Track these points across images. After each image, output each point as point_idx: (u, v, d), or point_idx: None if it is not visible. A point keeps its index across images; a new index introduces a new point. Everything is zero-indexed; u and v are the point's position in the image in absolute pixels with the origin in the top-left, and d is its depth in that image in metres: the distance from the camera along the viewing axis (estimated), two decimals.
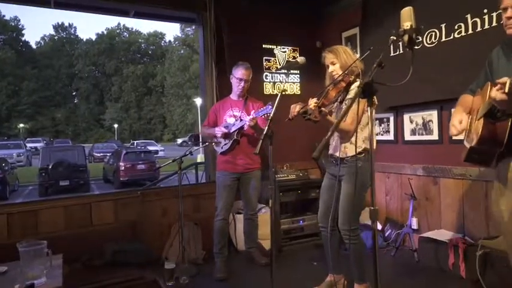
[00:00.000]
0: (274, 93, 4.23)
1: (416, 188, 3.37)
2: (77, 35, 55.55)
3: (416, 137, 3.46)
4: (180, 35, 51.41)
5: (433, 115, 3.31)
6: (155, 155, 18.27)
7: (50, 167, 11.93)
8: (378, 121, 3.80)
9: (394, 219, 3.62)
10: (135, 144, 31.08)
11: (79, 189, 12.20)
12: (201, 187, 4.02)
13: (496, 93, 1.47)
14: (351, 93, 2.24)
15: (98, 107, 51.90)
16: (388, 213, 3.71)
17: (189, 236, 3.35)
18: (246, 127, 2.97)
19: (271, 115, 2.08)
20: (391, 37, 1.42)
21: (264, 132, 1.97)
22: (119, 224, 3.43)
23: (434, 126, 3.29)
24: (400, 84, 1.41)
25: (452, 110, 3.07)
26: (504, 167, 1.70)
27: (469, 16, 2.86)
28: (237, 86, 3.13)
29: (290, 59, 4.34)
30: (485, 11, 2.73)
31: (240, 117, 3.06)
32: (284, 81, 4.28)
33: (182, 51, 48.75)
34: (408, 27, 1.39)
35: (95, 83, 51.96)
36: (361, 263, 2.35)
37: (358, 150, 2.26)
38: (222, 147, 3.11)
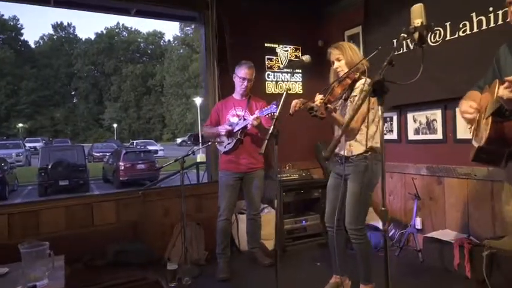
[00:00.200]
0: (276, 92, 4.21)
1: (420, 187, 3.35)
2: (76, 35, 55.48)
3: (420, 136, 3.44)
4: (179, 34, 51.45)
5: (437, 114, 3.29)
6: (155, 155, 18.22)
7: (50, 166, 11.88)
8: (379, 119, 3.78)
9: (397, 219, 3.60)
10: (134, 143, 31.02)
11: (79, 189, 12.16)
12: (203, 187, 3.99)
13: (503, 92, 1.44)
14: (356, 91, 2.22)
15: (97, 106, 51.81)
16: (391, 213, 3.68)
17: (192, 236, 3.33)
18: (249, 126, 2.94)
19: (277, 114, 2.05)
20: (402, 34, 1.39)
21: (270, 132, 1.95)
22: (121, 224, 3.41)
23: (439, 125, 3.27)
24: (410, 82, 1.38)
25: (457, 108, 3.09)
26: None
27: (474, 14, 2.83)
28: (240, 86, 3.11)
29: (292, 58, 4.31)
30: (491, 9, 2.71)
31: (243, 117, 3.03)
32: (289, 80, 4.27)
33: (181, 51, 48.69)
34: (419, 25, 1.36)
35: (94, 83, 51.85)
36: (367, 263, 2.33)
37: (364, 148, 2.23)
38: (225, 147, 3.08)
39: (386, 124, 3.75)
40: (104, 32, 53.71)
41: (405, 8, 3.32)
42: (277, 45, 4.25)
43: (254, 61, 3.20)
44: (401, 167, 3.57)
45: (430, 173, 3.32)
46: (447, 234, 3.04)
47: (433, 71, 3.09)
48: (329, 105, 2.03)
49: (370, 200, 2.37)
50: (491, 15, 2.70)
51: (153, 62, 53.01)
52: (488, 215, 2.87)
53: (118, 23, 55.26)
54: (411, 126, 3.53)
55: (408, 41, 3.33)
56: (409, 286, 2.72)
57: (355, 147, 2.27)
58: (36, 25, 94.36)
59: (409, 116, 3.54)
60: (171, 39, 54.72)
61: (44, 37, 54.60)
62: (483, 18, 2.77)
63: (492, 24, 2.71)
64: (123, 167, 13.45)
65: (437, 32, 3.11)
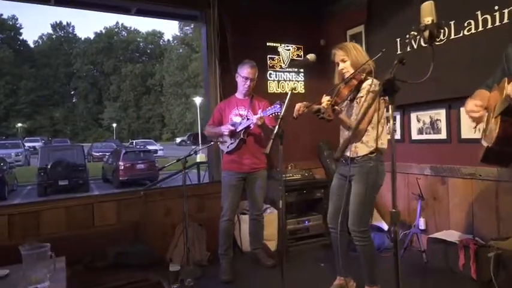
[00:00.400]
0: (279, 91, 4.18)
1: (424, 187, 3.32)
2: (75, 34, 55.41)
3: (424, 136, 3.42)
4: (178, 34, 51.40)
5: (441, 114, 3.26)
6: (154, 155, 18.18)
7: (49, 166, 11.83)
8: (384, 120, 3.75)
9: (400, 220, 3.57)
10: (134, 143, 30.95)
11: (78, 189, 12.12)
12: (204, 187, 3.96)
13: (511, 90, 1.42)
14: (363, 92, 2.19)
15: (97, 106, 51.75)
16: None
17: (194, 237, 3.29)
18: (252, 126, 2.91)
19: (282, 114, 2.02)
20: (412, 32, 1.36)
21: (275, 132, 1.92)
22: (122, 224, 3.38)
23: (443, 125, 3.24)
24: (421, 81, 1.36)
25: (462, 108, 3.06)
26: None
27: (479, 13, 2.80)
28: (242, 85, 3.08)
29: (294, 57, 4.29)
30: (496, 7, 2.68)
31: (246, 116, 3.00)
32: (291, 79, 4.25)
33: (181, 50, 48.64)
34: (430, 23, 1.33)
35: (93, 82, 51.79)
36: (372, 265, 2.30)
37: (370, 149, 2.21)
38: (228, 147, 3.05)
39: (389, 124, 3.72)
40: (103, 31, 53.67)
41: (409, 7, 3.33)
42: (279, 45, 4.22)
43: (256, 60, 3.17)
44: (405, 167, 3.54)
45: (434, 173, 3.29)
46: (451, 235, 3.01)
47: (437, 71, 3.06)
48: (336, 107, 2.01)
49: (375, 202, 2.34)
50: (497, 13, 2.68)
51: (152, 62, 52.96)
52: (493, 215, 2.84)
53: (117, 23, 55.25)
54: (415, 125, 3.50)
55: (413, 40, 3.33)
56: (414, 287, 2.70)
57: (361, 148, 2.24)
58: (35, 25, 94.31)
59: (413, 115, 3.52)
60: (171, 39, 54.76)
61: (43, 36, 54.61)
62: (488, 16, 2.74)
63: (498, 23, 2.68)
64: (122, 167, 13.41)
65: (442, 31, 3.07)
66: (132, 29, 56.22)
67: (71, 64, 51.14)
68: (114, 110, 49.88)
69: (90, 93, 51.53)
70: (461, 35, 2.95)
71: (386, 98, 1.30)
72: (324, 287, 2.55)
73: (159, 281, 2.78)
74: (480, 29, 2.81)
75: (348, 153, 2.27)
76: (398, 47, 3.46)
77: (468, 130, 3.01)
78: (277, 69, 4.20)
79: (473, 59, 2.83)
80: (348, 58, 2.27)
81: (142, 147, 23.48)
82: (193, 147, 3.48)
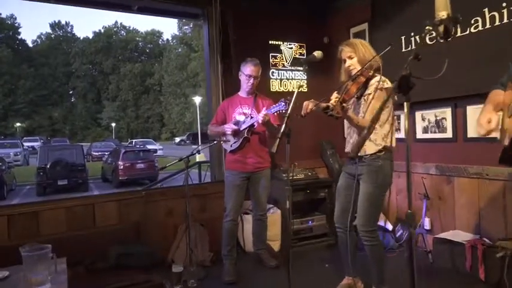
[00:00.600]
0: (281, 90, 4.14)
1: (429, 187, 3.28)
2: (74, 33, 55.26)
3: (429, 135, 3.37)
4: (177, 33, 51.29)
5: (446, 112, 3.22)
6: (154, 154, 18.13)
7: (48, 166, 11.77)
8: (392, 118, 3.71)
9: (405, 219, 3.53)
10: (133, 143, 30.86)
11: (77, 189, 12.07)
12: (206, 187, 3.91)
13: None
14: (371, 89, 2.14)
15: (95, 105, 51.64)
16: (399, 213, 3.62)
17: (196, 237, 3.25)
18: (256, 125, 2.87)
19: (289, 111, 1.97)
20: (426, 27, 1.31)
21: (282, 130, 1.88)
22: (123, 225, 3.32)
23: (448, 124, 3.20)
24: (436, 77, 1.31)
25: (468, 106, 3.02)
26: None
27: (486, 10, 2.76)
28: (246, 83, 3.03)
29: (297, 56, 4.24)
30: (504, 4, 2.64)
31: (250, 115, 2.95)
32: (297, 78, 4.21)
33: (180, 50, 48.53)
34: (445, 17, 1.29)
35: (92, 82, 51.66)
36: (380, 265, 2.26)
37: (378, 148, 2.16)
38: (231, 146, 3.00)
39: (398, 122, 3.68)
40: (102, 31, 53.52)
41: (414, 4, 3.28)
42: (281, 43, 4.18)
43: (258, 59, 3.12)
44: (411, 166, 3.50)
45: (439, 173, 3.25)
46: (458, 235, 2.97)
47: (442, 68, 3.02)
48: (345, 104, 1.97)
49: (383, 201, 2.30)
50: (505, 10, 2.64)
51: (151, 61, 52.84)
52: (501, 215, 2.80)
53: (116, 22, 55.17)
54: (419, 124, 3.46)
55: (417, 38, 3.29)
56: None
57: (369, 147, 2.19)
58: (33, 24, 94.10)
59: (417, 114, 3.47)
60: (170, 38, 54.60)
61: (42, 36, 54.44)
62: (496, 14, 2.70)
63: (506, 20, 2.64)
64: (122, 167, 13.35)
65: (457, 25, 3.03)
66: (131, 28, 56.12)
67: (69, 64, 50.98)
68: (113, 110, 49.77)
69: (89, 92, 51.41)
70: (467, 32, 2.91)
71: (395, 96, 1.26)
72: None
73: (161, 283, 2.73)
74: (487, 26, 2.77)
75: None
76: (403, 44, 3.42)
77: (474, 129, 2.96)
78: (280, 67, 4.16)
79: (480, 57, 2.79)
80: (355, 55, 2.22)
81: (141, 146, 23.41)
82: (194, 146, 3.42)
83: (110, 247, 3.12)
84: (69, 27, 54.77)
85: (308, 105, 2.15)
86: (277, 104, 2.67)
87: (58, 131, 47.48)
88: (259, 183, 3.05)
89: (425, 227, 3.26)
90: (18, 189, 13.31)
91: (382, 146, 2.17)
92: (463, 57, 2.92)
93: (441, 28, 1.30)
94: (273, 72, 4.12)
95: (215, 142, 3.18)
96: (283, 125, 1.89)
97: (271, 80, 4.10)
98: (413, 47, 3.34)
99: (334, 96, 1.95)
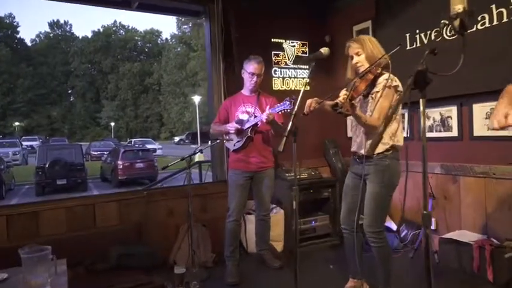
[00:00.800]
0: (283, 88, 4.09)
1: (434, 186, 3.24)
2: (73, 33, 55.11)
3: (434, 134, 3.33)
4: (176, 32, 51.15)
5: (452, 111, 3.17)
6: (153, 154, 18.07)
7: (47, 165, 11.69)
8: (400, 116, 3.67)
9: (410, 220, 3.49)
10: (132, 142, 30.79)
11: (76, 188, 12.00)
12: (208, 186, 3.86)
13: None
14: (379, 87, 2.09)
15: (94, 105, 51.54)
16: (404, 213, 3.57)
17: (198, 238, 3.20)
18: (260, 124, 2.82)
19: (296, 110, 1.93)
20: (442, 21, 1.27)
21: (288, 129, 1.83)
22: (124, 225, 3.28)
23: (454, 122, 3.16)
24: (452, 73, 1.27)
25: (474, 104, 2.98)
26: None
27: (493, 6, 2.72)
28: (249, 81, 2.98)
29: (299, 54, 4.20)
30: None
31: (253, 114, 2.90)
32: (299, 76, 4.17)
33: (179, 49, 48.41)
34: (461, 10, 1.24)
35: (91, 81, 51.56)
36: (387, 267, 2.21)
37: (385, 147, 2.11)
38: (234, 145, 2.95)
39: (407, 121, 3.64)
40: (101, 30, 53.41)
41: (419, 1, 3.23)
42: (284, 41, 4.13)
43: (260, 57, 3.07)
44: (414, 166, 3.45)
45: (444, 172, 3.21)
46: (464, 235, 2.93)
47: (448, 66, 2.97)
48: (353, 102, 1.92)
49: (391, 202, 2.25)
50: None
51: (150, 61, 52.74)
52: (508, 215, 2.76)
53: (115, 21, 55.17)
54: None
55: (422, 35, 3.25)
56: None
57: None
58: (32, 23, 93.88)
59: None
60: (169, 38, 54.43)
61: (41, 35, 54.32)
62: (504, 10, 2.66)
63: None
64: (121, 166, 13.27)
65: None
66: (130, 27, 55.99)
67: (68, 63, 50.85)
68: (112, 109, 49.68)
69: (88, 92, 51.29)
70: (474, 29, 2.85)
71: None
72: None
73: (163, 284, 2.68)
74: (495, 23, 2.72)
75: (362, 151, 2.18)
76: (408, 42, 3.38)
77: (481, 127, 2.92)
78: (282, 65, 4.11)
79: (487, 54, 2.75)
80: (363, 51, 2.17)
81: (140, 146, 23.34)
82: (193, 146, 3.38)
83: (111, 248, 3.08)
84: (68, 26, 54.77)
85: (311, 103, 2.11)
86: (282, 103, 2.62)
87: (57, 130, 47.39)
88: (263, 183, 3.01)
89: (431, 227, 3.22)
90: (17, 188, 13.24)
91: (389, 145, 2.12)
92: (469, 55, 2.83)
93: (457, 22, 1.25)
94: (275, 70, 4.07)
95: (218, 141, 3.13)
96: (290, 123, 1.85)
97: (273, 79, 4.05)
98: (418, 44, 3.29)
99: (343, 93, 1.90)
